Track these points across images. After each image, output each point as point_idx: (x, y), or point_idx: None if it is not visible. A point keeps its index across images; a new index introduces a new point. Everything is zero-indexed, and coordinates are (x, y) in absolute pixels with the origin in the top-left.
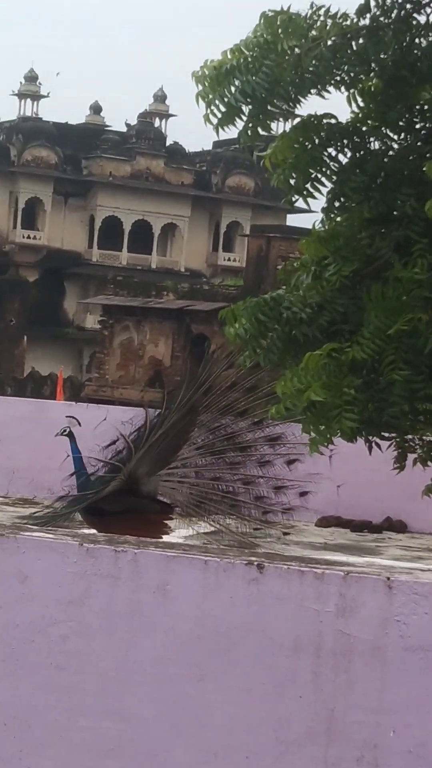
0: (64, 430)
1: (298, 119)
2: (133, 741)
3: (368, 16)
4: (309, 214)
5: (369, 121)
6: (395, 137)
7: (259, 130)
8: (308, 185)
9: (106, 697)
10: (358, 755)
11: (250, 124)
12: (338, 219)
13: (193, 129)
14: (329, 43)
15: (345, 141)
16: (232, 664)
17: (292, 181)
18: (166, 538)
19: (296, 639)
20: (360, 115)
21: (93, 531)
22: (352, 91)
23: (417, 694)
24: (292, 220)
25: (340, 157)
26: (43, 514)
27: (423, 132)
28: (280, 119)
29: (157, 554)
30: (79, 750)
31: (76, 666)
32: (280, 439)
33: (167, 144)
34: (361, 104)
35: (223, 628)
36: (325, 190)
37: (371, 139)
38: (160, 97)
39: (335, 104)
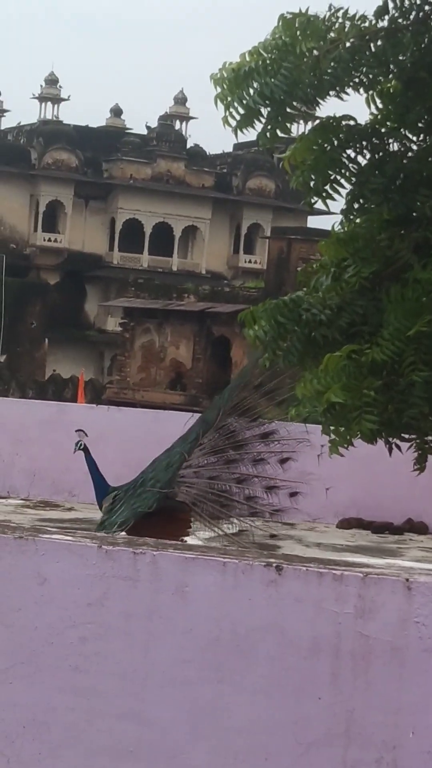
0: (79, 445)
1: (317, 121)
2: (151, 743)
3: (387, 17)
4: (330, 215)
5: (388, 123)
6: (414, 138)
7: (278, 132)
8: (327, 187)
9: (125, 699)
10: (377, 756)
11: (269, 126)
12: (357, 221)
13: (213, 131)
14: (348, 44)
15: (364, 143)
16: (251, 666)
17: (311, 183)
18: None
19: (315, 640)
20: (379, 117)
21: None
22: (370, 92)
23: None
24: (313, 221)
25: (359, 158)
26: (123, 520)
27: None
28: (299, 121)
29: (175, 556)
30: (97, 752)
31: (95, 668)
32: (274, 434)
33: (188, 146)
34: (380, 106)
35: (241, 629)
36: (344, 192)
37: (390, 140)
38: (181, 100)
39: (354, 106)
